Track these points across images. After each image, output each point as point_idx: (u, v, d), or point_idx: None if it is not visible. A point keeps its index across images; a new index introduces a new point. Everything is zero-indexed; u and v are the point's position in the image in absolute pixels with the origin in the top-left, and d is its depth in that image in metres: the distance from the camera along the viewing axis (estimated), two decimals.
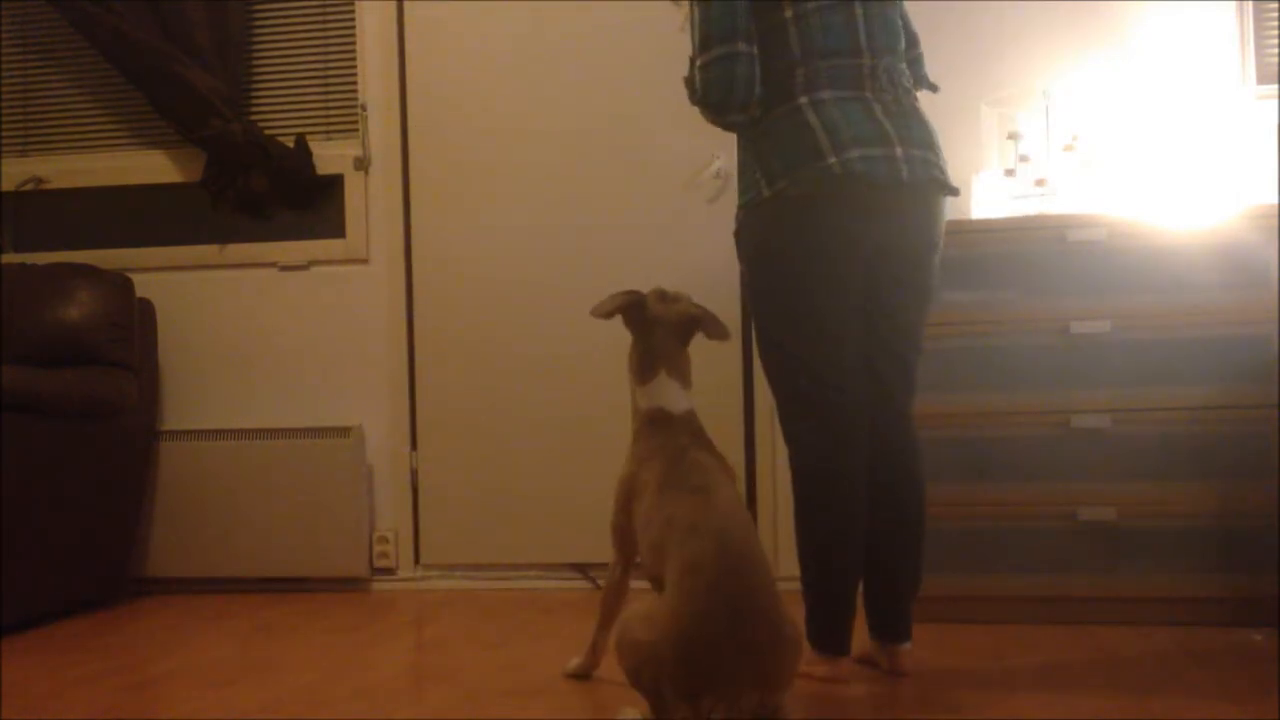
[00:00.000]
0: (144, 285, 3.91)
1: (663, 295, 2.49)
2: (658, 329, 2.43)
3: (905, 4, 2.67)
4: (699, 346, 2.47)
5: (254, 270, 3.99)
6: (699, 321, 2.45)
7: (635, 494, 2.35)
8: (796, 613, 2.17)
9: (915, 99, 2.59)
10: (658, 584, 2.20)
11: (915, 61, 2.68)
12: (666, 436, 2.33)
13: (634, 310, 2.46)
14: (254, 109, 4.02)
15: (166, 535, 3.89)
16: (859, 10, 2.50)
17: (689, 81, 2.49)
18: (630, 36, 3.77)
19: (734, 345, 3.66)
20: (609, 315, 2.44)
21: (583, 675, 2.60)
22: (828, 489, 2.47)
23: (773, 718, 2.00)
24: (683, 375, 2.44)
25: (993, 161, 3.43)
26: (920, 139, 2.50)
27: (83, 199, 4.17)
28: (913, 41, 2.68)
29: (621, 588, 2.52)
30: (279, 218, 3.99)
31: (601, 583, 3.55)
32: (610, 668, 2.62)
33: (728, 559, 2.04)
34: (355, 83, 3.95)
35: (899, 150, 2.44)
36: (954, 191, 2.57)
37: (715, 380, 3.61)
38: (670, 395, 2.40)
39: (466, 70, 3.88)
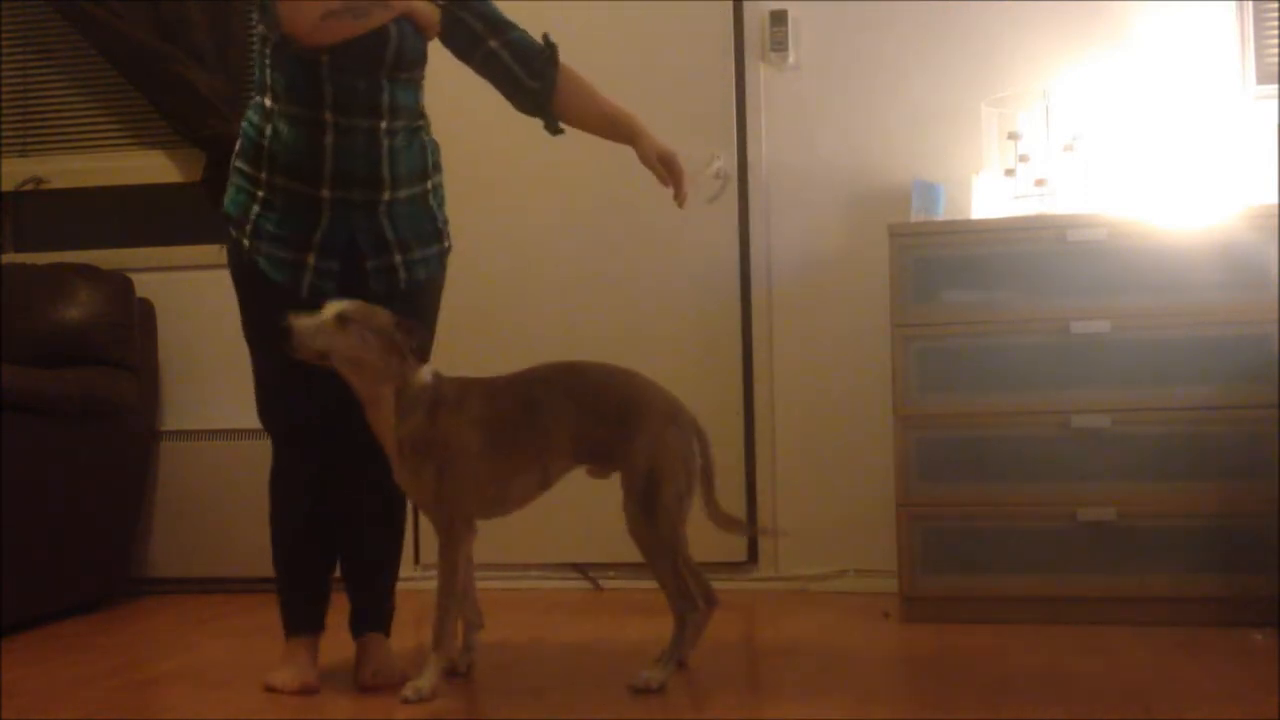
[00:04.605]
0: (144, 285, 3.90)
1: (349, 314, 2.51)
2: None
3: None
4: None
5: None
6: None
7: None
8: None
9: None
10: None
11: None
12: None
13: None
14: None
15: (166, 535, 3.88)
16: None
17: None
18: (630, 36, 3.77)
19: (733, 346, 3.66)
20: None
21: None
22: None
23: None
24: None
25: (993, 161, 3.43)
26: None
27: (83, 199, 4.16)
28: None
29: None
30: None
31: (602, 583, 3.56)
32: (616, 669, 2.62)
33: None
34: None
35: None
36: None
37: (715, 379, 3.61)
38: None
39: (466, 69, 3.87)
